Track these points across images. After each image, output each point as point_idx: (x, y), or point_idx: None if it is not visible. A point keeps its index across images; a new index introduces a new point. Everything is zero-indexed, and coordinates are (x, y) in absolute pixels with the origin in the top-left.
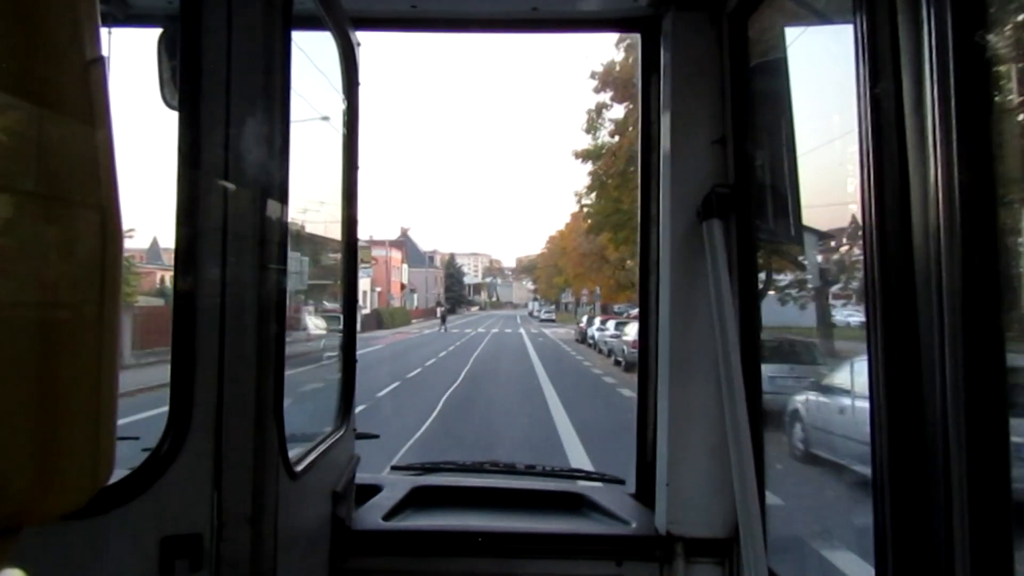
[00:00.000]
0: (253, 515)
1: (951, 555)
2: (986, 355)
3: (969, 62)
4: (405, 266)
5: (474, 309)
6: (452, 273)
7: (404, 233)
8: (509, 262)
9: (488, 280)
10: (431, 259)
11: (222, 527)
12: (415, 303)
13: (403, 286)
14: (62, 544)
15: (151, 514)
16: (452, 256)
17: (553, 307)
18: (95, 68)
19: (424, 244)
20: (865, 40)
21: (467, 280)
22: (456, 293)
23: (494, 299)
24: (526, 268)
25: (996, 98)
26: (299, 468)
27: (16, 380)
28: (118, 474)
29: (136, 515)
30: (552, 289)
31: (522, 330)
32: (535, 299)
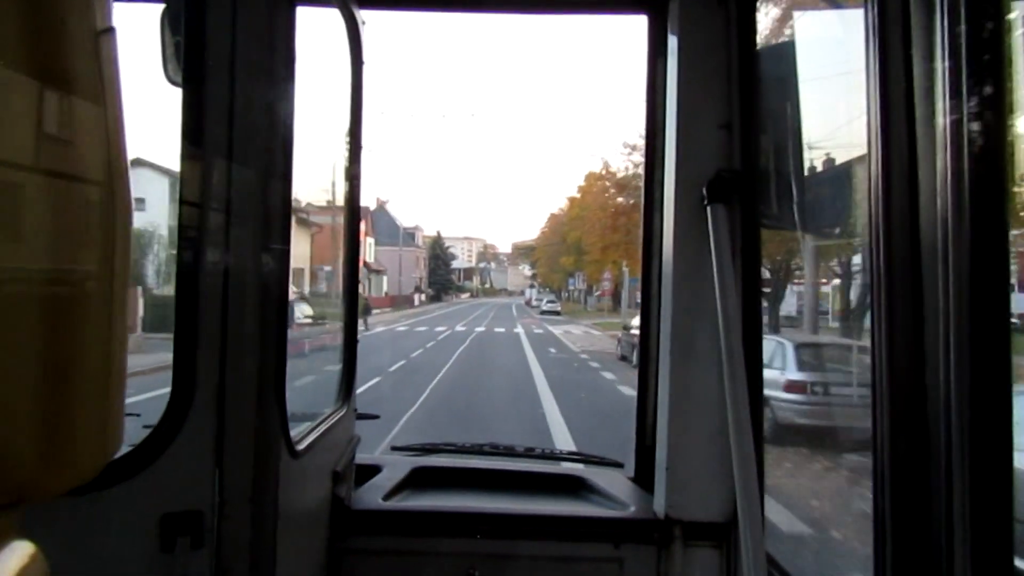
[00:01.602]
0: (254, 493)
1: (951, 544)
2: (991, 345)
3: (981, 47)
4: (370, 241)
5: (464, 296)
6: (438, 254)
7: (381, 205)
8: (505, 248)
9: (482, 265)
10: (412, 236)
11: (223, 505)
12: (384, 288)
13: (365, 265)
14: (63, 519)
15: (152, 491)
16: (439, 235)
17: (554, 296)
18: (105, 39)
19: (406, 220)
20: (876, 24)
21: (457, 264)
22: (442, 277)
23: (487, 285)
24: (523, 252)
25: (1009, 85)
26: (300, 447)
27: (24, 355)
28: (120, 450)
29: (137, 492)
30: (555, 274)
31: (520, 328)
32: (532, 286)
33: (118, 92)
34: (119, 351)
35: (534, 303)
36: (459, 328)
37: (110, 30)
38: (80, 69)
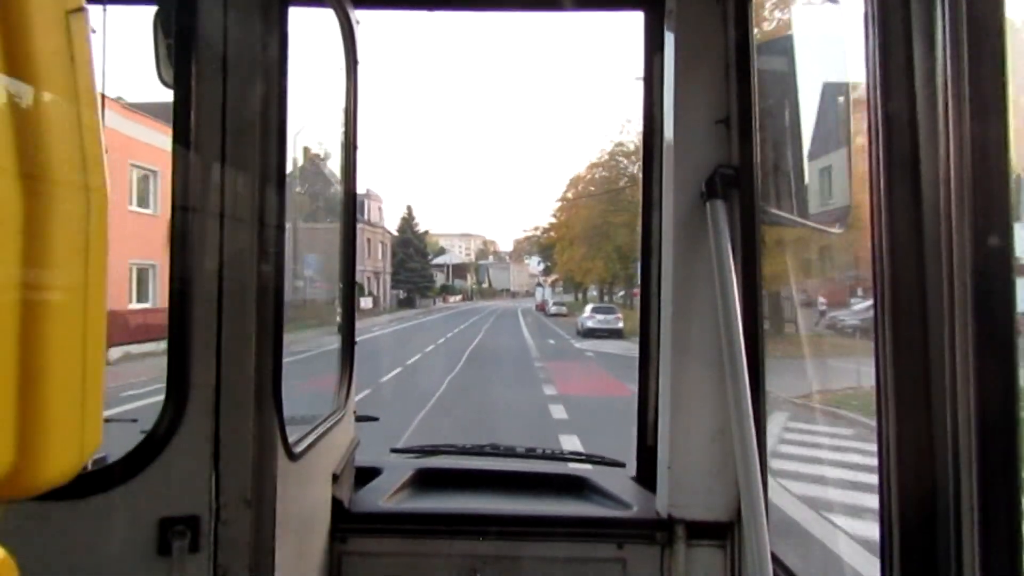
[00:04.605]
0: (252, 496)
1: (959, 544)
2: (996, 340)
3: (983, 39)
4: None
5: (454, 299)
6: (409, 239)
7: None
8: (506, 246)
9: (480, 263)
10: (360, 208)
11: (220, 508)
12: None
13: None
14: (61, 523)
15: (149, 495)
16: (410, 211)
17: (569, 298)
18: (76, 19)
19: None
20: (876, 15)
21: (446, 259)
22: (416, 273)
23: (485, 284)
24: (531, 243)
25: (1010, 75)
26: (298, 449)
27: None
28: (116, 454)
29: (134, 496)
30: (592, 262)
31: None
32: (541, 284)
33: (92, 81)
34: (95, 351)
35: (552, 309)
36: None
37: (81, 9)
38: (49, 55)
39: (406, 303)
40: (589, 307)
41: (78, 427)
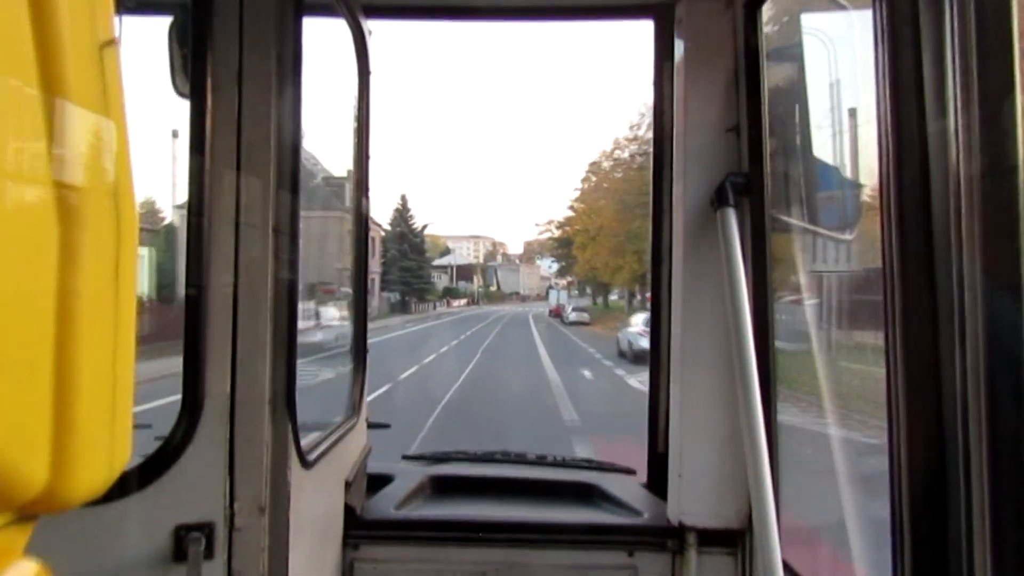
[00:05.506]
0: (266, 503)
1: (971, 545)
2: (1007, 341)
3: (992, 47)
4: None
5: (458, 303)
6: (404, 233)
7: None
8: (516, 248)
9: (488, 264)
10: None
11: (235, 515)
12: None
13: None
14: (77, 530)
15: (164, 502)
16: (404, 201)
17: (585, 302)
18: (108, 51)
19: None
20: (886, 24)
21: (451, 259)
22: (411, 273)
23: (492, 287)
24: (545, 244)
25: (1019, 83)
26: (312, 457)
27: (31, 369)
28: (131, 462)
29: (149, 503)
30: (620, 258)
31: None
32: (552, 287)
33: (122, 103)
34: (125, 364)
35: (571, 316)
36: None
37: (113, 42)
38: (84, 81)
39: (399, 307)
40: (640, 317)
41: (108, 443)
